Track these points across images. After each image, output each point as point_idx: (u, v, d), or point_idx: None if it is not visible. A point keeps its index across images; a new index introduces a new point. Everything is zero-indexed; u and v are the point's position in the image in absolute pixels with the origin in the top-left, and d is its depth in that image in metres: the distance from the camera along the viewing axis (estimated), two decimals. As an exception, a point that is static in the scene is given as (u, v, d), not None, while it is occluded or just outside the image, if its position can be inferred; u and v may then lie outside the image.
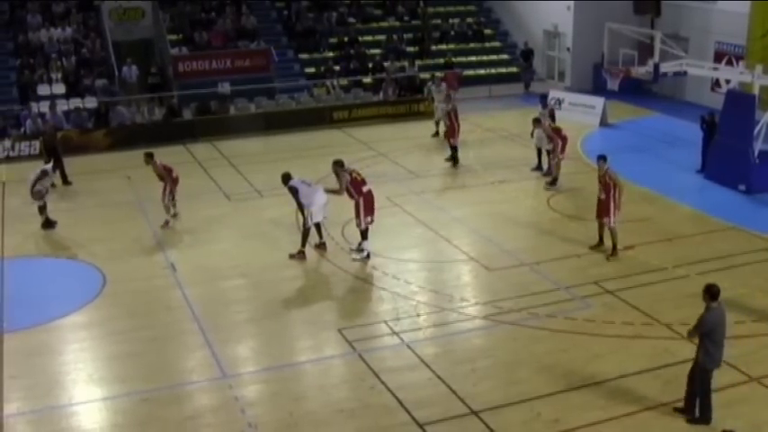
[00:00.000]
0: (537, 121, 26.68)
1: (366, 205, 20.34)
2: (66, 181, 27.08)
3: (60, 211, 24.24)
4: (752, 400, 14.34)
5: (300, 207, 20.66)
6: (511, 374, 15.32)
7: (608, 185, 20.16)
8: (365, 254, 20.53)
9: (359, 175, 20.58)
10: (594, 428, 13.60)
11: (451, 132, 28.23)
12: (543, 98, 30.10)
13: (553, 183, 25.78)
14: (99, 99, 33.70)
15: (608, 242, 20.57)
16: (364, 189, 20.37)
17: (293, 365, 15.94)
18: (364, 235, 20.54)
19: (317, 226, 20.98)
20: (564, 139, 25.83)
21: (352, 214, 21.36)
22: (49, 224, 23.01)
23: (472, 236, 22.37)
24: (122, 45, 37.97)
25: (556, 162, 25.76)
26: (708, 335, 13.19)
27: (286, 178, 20.70)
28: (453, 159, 28.25)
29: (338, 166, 20.47)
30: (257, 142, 32.03)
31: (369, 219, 20.45)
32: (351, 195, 20.39)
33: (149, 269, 20.30)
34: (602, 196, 20.29)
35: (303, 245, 20.70)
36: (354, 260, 20.45)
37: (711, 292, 13.25)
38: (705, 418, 13.47)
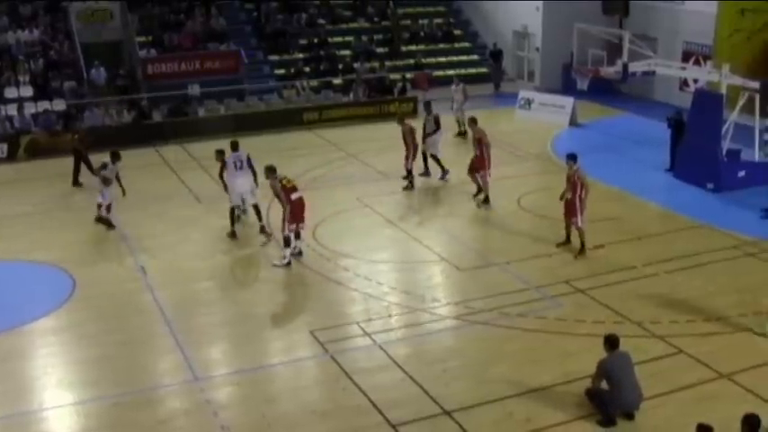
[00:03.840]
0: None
1: (293, 213, 20.10)
2: (76, 181, 26.92)
3: (28, 215, 24.14)
4: (722, 397, 14.45)
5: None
6: (482, 374, 15.36)
7: (575, 185, 20.23)
8: (286, 261, 20.25)
9: (289, 182, 20.38)
10: (566, 427, 13.67)
11: (408, 154, 25.94)
12: (427, 105, 28.28)
13: (486, 201, 24.40)
14: (67, 101, 33.50)
15: (576, 241, 20.66)
16: (293, 197, 20.12)
17: (265, 367, 15.93)
18: (287, 242, 20.26)
19: (256, 209, 22.08)
20: (488, 154, 24.25)
21: (323, 216, 21.43)
22: (103, 221, 23.09)
23: (443, 236, 22.41)
24: (90, 47, 37.63)
25: (483, 177, 24.30)
26: (607, 380, 13.66)
27: (234, 145, 22.57)
28: (410, 183, 26.15)
29: (270, 172, 20.29)
30: (227, 144, 31.83)
31: (293, 226, 20.23)
32: (281, 202, 20.27)
33: (119, 273, 20.21)
34: (569, 196, 20.38)
35: (231, 223, 22.09)
36: (275, 266, 20.25)
37: (610, 342, 13.82)
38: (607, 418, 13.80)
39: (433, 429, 13.76)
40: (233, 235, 22.09)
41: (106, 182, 22.65)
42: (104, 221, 22.91)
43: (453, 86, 33.31)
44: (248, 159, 22.41)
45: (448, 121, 30.83)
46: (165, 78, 36.40)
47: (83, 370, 15.91)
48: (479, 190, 24.51)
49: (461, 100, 32.68)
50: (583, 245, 20.48)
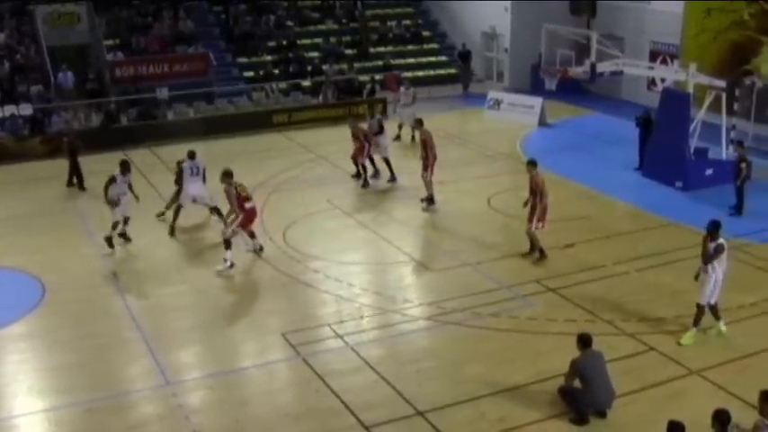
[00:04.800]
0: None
1: (243, 221, 20.07)
2: (81, 186, 26.53)
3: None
4: (693, 393, 14.59)
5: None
6: (455, 374, 15.39)
7: (534, 191, 20.00)
8: (228, 264, 20.06)
9: (244, 190, 20.25)
10: (539, 426, 13.74)
11: (360, 152, 26.60)
12: (371, 107, 28.48)
13: (430, 201, 24.31)
14: (34, 106, 33.19)
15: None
16: (246, 206, 20.05)
17: (237, 371, 15.88)
18: (227, 244, 20.03)
19: (217, 212, 22.48)
20: (435, 157, 24.10)
21: (293, 218, 21.41)
22: (109, 240, 21.67)
23: (413, 237, 22.47)
24: (57, 50, 37.31)
25: (428, 180, 24.13)
26: (580, 379, 13.79)
27: (192, 154, 22.88)
28: (362, 178, 26.67)
29: (227, 177, 20.08)
30: (197, 147, 31.23)
31: (238, 229, 20.24)
32: (232, 208, 20.15)
33: (89, 278, 20.05)
34: (531, 202, 20.16)
35: (173, 221, 22.52)
36: (219, 273, 20.00)
37: (583, 341, 13.95)
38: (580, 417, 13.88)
39: (406, 430, 13.78)
40: (172, 232, 22.49)
41: (111, 203, 21.63)
42: (109, 241, 21.53)
43: (403, 89, 33.20)
44: (203, 170, 22.98)
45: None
46: (133, 82, 36.16)
47: (54, 376, 15.78)
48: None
49: (409, 103, 32.40)
50: (541, 250, 20.22)
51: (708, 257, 15.99)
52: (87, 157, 27.09)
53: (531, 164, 20.36)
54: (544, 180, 20.19)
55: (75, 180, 26.86)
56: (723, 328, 16.54)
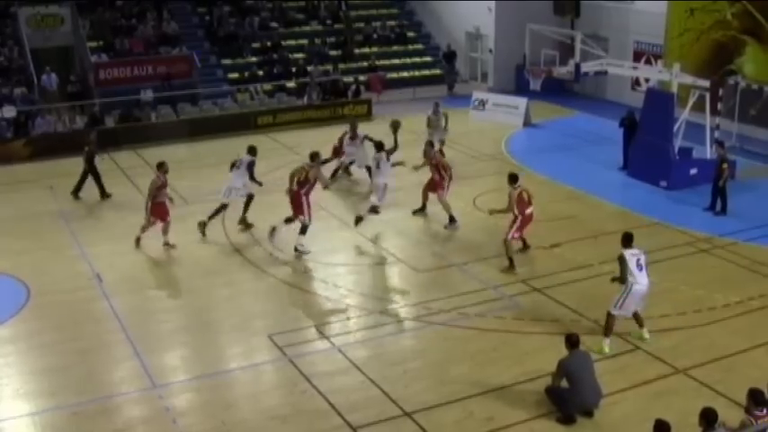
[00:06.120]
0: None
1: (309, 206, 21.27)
2: (76, 192, 26.14)
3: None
4: (679, 392, 14.63)
5: None
6: (442, 375, 15.41)
7: (520, 202, 19.51)
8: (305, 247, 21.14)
9: (301, 172, 21.24)
10: (527, 425, 13.77)
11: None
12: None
13: (452, 220, 23.41)
14: (18, 108, 33.02)
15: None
16: (302, 191, 21.11)
17: (224, 373, 15.84)
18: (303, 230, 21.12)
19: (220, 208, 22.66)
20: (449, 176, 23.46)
21: (279, 220, 21.45)
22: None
23: (399, 238, 22.45)
24: (41, 52, 37.23)
25: (440, 197, 23.34)
26: (567, 379, 13.84)
27: (252, 150, 23.30)
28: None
29: (313, 158, 21.67)
30: (182, 149, 31.63)
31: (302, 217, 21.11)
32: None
33: (74, 280, 19.96)
34: (517, 212, 19.66)
35: (208, 220, 22.51)
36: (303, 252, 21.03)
37: (571, 341, 13.99)
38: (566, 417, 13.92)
39: (393, 431, 13.78)
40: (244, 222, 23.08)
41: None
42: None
43: (431, 114, 30.17)
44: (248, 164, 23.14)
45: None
46: (117, 84, 36.06)
47: (39, 379, 15.71)
48: (423, 207, 24.01)
49: (440, 126, 29.85)
50: (510, 260, 19.74)
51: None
52: (72, 159, 26.97)
53: (511, 179, 19.75)
54: (521, 195, 19.60)
55: (81, 188, 26.12)
56: (646, 335, 16.41)
